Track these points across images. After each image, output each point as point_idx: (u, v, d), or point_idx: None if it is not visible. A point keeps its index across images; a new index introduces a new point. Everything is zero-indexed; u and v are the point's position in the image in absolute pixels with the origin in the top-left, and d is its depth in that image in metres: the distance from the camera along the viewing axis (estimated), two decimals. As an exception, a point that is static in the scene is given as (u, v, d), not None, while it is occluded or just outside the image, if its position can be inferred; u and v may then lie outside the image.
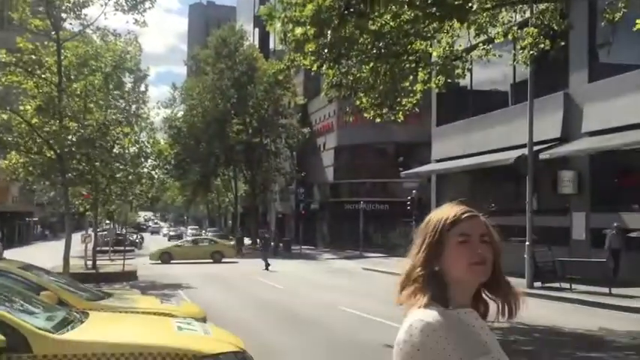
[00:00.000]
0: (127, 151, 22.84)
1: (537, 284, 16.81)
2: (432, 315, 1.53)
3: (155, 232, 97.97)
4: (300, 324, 11.61)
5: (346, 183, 45.52)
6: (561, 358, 8.44)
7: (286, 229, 53.09)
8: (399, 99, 14.92)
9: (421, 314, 1.54)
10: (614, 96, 18.27)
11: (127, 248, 29.78)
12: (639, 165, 18.73)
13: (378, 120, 15.79)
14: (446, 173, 27.31)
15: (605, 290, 15.19)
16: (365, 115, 15.72)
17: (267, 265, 26.54)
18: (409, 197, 30.46)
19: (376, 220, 42.15)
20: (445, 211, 1.67)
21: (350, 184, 45.33)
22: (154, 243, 56.12)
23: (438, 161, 27.87)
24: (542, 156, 19.18)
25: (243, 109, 47.91)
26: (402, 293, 1.67)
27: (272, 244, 42.09)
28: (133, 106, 21.51)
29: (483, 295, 1.68)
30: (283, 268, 27.49)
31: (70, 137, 18.00)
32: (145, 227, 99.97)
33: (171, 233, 73.20)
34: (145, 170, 25.39)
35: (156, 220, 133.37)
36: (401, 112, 15.45)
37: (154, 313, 6.74)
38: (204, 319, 7.01)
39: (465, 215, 1.64)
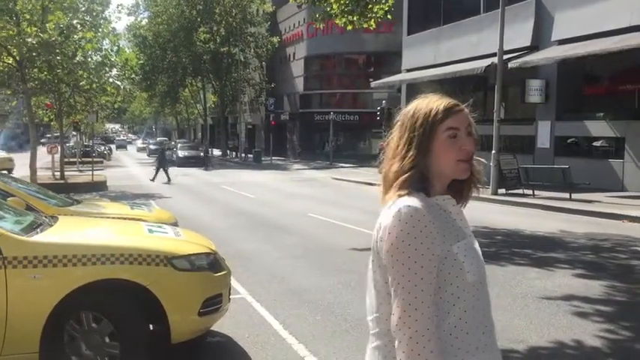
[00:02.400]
0: (90, 59, 22.03)
1: (502, 191, 17.29)
2: (418, 202, 1.55)
3: (121, 145, 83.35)
4: (271, 230, 11.84)
5: (316, 94, 45.12)
6: (522, 257, 8.83)
7: (256, 140, 52.93)
8: (370, 5, 14.56)
9: (408, 201, 1.55)
10: (584, 3, 18.12)
11: (95, 159, 29.43)
12: (606, 73, 18.91)
13: (349, 28, 15.46)
14: (416, 83, 27.17)
15: (566, 196, 15.73)
16: (336, 22, 15.36)
17: (158, 177, 25.50)
18: (379, 108, 30.40)
19: (346, 131, 42.27)
20: (432, 103, 1.64)
21: (320, 94, 44.95)
22: (125, 157, 55.56)
23: (409, 71, 27.67)
24: (512, 65, 19.18)
25: (210, 17, 46.30)
26: (389, 190, 1.64)
27: (243, 154, 42.14)
28: (98, 8, 20.44)
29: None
30: (254, 178, 27.65)
31: (29, 41, 17.17)
32: (113, 139, 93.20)
33: (140, 145, 72.44)
34: (110, 80, 24.66)
35: (123, 132, 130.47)
36: (372, 20, 15.14)
37: (125, 219, 6.78)
38: (175, 225, 7.08)
39: (456, 108, 1.63)
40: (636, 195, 15.66)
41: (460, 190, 1.71)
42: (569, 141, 19.75)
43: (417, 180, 1.60)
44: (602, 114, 18.54)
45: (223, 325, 5.41)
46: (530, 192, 16.92)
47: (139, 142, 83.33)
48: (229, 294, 5.20)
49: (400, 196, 1.58)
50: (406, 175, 1.60)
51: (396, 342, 1.51)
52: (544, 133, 20.35)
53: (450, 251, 1.55)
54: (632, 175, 17.12)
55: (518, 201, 16.04)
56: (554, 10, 19.58)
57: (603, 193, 16.09)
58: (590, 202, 15.07)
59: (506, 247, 9.74)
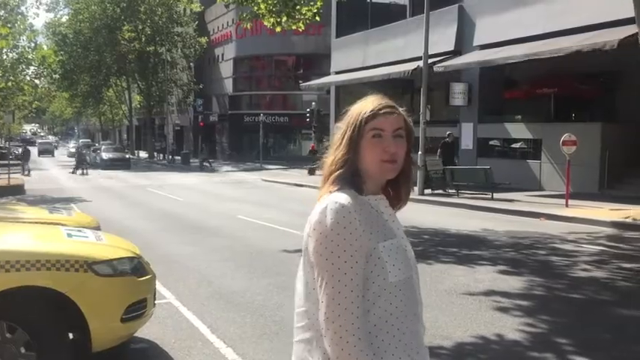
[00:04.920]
0: (5, 57, 20.96)
1: (428, 191, 17.73)
2: (346, 198, 1.56)
3: (46, 151, 62.71)
4: (199, 233, 11.63)
5: (246, 95, 44.79)
6: (447, 255, 9.06)
7: (184, 141, 51.96)
8: (298, 6, 14.58)
9: (336, 197, 1.56)
10: (504, 10, 18.86)
11: (11, 162, 27.98)
12: (523, 78, 19.76)
13: (277, 29, 15.43)
14: (345, 85, 27.50)
15: (488, 195, 16.31)
16: (264, 22, 15.29)
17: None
18: (308, 109, 30.53)
19: (276, 132, 42.18)
20: (365, 105, 1.68)
21: (250, 96, 44.66)
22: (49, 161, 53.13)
23: (338, 73, 27.93)
24: (437, 68, 19.71)
25: (134, 15, 45.08)
26: (323, 186, 1.66)
27: (170, 156, 41.27)
28: (13, 2, 19.45)
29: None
30: (182, 180, 27.11)
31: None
32: (33, 141, 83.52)
33: (73, 150, 61.86)
34: (27, 78, 23.55)
35: (42, 133, 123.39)
36: (301, 22, 15.16)
37: (43, 223, 6.46)
38: (97, 229, 6.81)
39: (383, 110, 1.64)
40: (552, 194, 16.43)
41: (396, 191, 1.74)
42: (490, 142, 20.49)
43: (349, 177, 1.62)
44: (520, 116, 19.36)
45: (148, 330, 5.25)
46: (454, 192, 17.43)
47: (71, 145, 64.40)
48: (154, 299, 5.05)
49: (331, 192, 1.60)
50: (338, 171, 1.63)
51: (325, 332, 1.52)
52: (467, 135, 21.03)
53: (375, 249, 1.56)
54: (549, 175, 17.96)
55: (443, 201, 16.49)
56: (476, 17, 20.28)
57: (522, 193, 16.79)
58: (510, 201, 15.68)
59: (433, 245, 9.98)
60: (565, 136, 14.49)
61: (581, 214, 12.67)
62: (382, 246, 1.57)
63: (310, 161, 28.83)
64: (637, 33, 11.92)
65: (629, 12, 12.06)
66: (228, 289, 7.09)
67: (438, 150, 18.77)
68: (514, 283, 7.14)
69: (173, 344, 5.17)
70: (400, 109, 1.69)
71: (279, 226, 12.21)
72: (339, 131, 1.68)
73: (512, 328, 5.35)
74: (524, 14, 18.05)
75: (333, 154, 1.66)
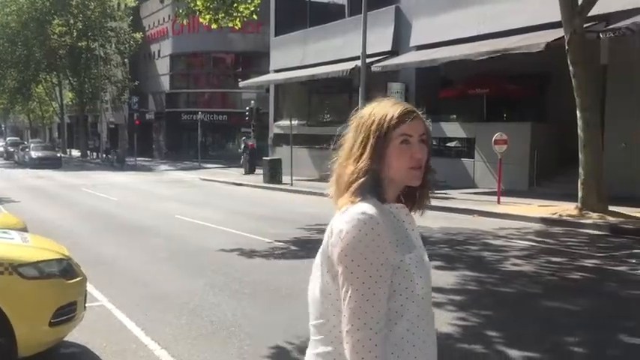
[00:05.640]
0: None
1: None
2: (372, 209, 1.51)
3: None
4: (134, 233, 11.35)
5: (183, 93, 44.05)
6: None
7: (119, 140, 50.60)
8: (235, 4, 14.45)
9: (363, 207, 1.51)
10: (439, 12, 19.30)
11: None
12: (458, 78, 20.27)
13: (214, 26, 15.25)
14: (284, 83, 27.47)
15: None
16: (201, 19, 15.08)
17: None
18: (248, 108, 30.32)
19: (215, 131, 41.69)
20: (388, 108, 1.61)
21: (187, 93, 43.95)
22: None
23: (277, 71, 27.87)
24: (375, 68, 19.96)
25: (65, 9, 43.51)
26: (343, 194, 1.59)
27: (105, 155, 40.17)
28: None
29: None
30: (116, 180, 26.39)
31: None
32: None
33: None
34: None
35: None
36: (238, 19, 15.04)
37: (-36, 225, 6.14)
38: (24, 230, 6.53)
39: (410, 115, 1.60)
40: (485, 191, 16.93)
41: (414, 198, 1.69)
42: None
43: (372, 185, 1.57)
44: (455, 116, 19.86)
45: (79, 334, 5.07)
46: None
47: None
48: (85, 302, 4.90)
49: (353, 202, 1.54)
50: (361, 180, 1.57)
51: (345, 345, 1.48)
52: (404, 134, 21.38)
53: (402, 261, 1.52)
54: (482, 173, 18.50)
55: (381, 199, 16.70)
56: (412, 18, 20.66)
57: (457, 190, 17.23)
58: (445, 198, 16.06)
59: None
60: (496, 135, 14.97)
61: (511, 211, 13.12)
62: (409, 258, 1.54)
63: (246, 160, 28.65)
64: (563, 36, 12.46)
65: (558, 16, 12.59)
66: (163, 290, 6.95)
67: None
68: (448, 279, 7.31)
69: (105, 348, 5.02)
70: (420, 113, 1.64)
71: (217, 226, 12.07)
72: (357, 137, 1.60)
73: (445, 322, 5.47)
74: (459, 16, 18.53)
75: (354, 162, 1.58)
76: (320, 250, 1.59)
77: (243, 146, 28.95)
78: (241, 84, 30.68)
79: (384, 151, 1.57)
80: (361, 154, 1.58)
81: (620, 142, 14.65)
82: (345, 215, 1.51)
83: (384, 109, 1.61)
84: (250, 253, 9.07)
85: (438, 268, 8.01)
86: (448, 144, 20.24)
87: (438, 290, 6.70)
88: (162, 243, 10.22)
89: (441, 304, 6.12)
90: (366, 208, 1.50)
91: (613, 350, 4.85)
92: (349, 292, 1.46)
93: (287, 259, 8.79)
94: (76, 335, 5.01)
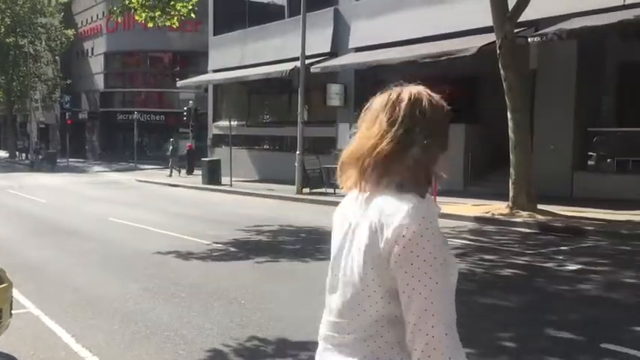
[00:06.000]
0: None
1: (306, 190, 17.96)
2: (426, 202, 1.45)
3: None
4: (65, 237, 10.94)
5: (119, 92, 42.94)
6: (324, 253, 9.19)
7: (50, 141, 48.76)
8: (172, 2, 14.19)
9: (417, 201, 1.43)
10: (377, 15, 19.56)
11: None
12: (395, 81, 20.50)
13: (150, 24, 14.92)
14: (223, 84, 27.18)
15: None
16: (136, 17, 14.72)
17: None
18: (186, 108, 29.85)
19: (151, 131, 40.80)
20: (439, 99, 1.55)
21: (123, 93, 42.86)
22: None
23: (216, 71, 27.54)
24: (314, 69, 20.03)
25: (-8, 4, 41.60)
26: (377, 183, 1.48)
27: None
28: None
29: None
30: (46, 181, 25.41)
31: None
32: None
33: None
34: None
35: None
36: (175, 18, 14.77)
37: None
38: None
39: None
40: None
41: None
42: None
43: (423, 180, 1.51)
44: (393, 118, 20.16)
45: (4, 342, 4.83)
46: (331, 191, 17.79)
47: None
48: (11, 309, 4.67)
49: (402, 194, 1.45)
50: (417, 174, 1.49)
51: (413, 346, 1.40)
52: (344, 135, 21.56)
53: (448, 253, 1.48)
54: (419, 173, 18.86)
55: (321, 199, 16.78)
56: (351, 20, 20.86)
57: (395, 191, 17.51)
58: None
59: (310, 243, 10.11)
60: (433, 137, 15.26)
61: (447, 211, 13.40)
62: (448, 249, 1.49)
63: (186, 161, 28.20)
64: (495, 41, 12.85)
65: (491, 21, 12.96)
66: (95, 295, 6.72)
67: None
68: (386, 278, 7.40)
69: (32, 356, 4.81)
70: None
71: (153, 228, 11.80)
72: (421, 131, 1.48)
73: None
74: (396, 20, 18.82)
75: (417, 156, 1.47)
76: (357, 246, 1.48)
77: (171, 148, 28.18)
78: (179, 84, 30.18)
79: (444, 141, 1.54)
80: (427, 150, 1.49)
81: (549, 143, 15.25)
82: (400, 206, 1.42)
83: (436, 98, 1.57)
84: (187, 256, 8.91)
85: (375, 267, 8.11)
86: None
87: (376, 289, 6.78)
88: (95, 246, 9.90)
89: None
90: (421, 201, 1.44)
91: (542, 343, 5.03)
92: (414, 292, 1.39)
93: (225, 261, 8.68)
94: (1, 344, 4.77)
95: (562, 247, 9.65)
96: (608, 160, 15.38)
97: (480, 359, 4.71)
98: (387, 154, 1.47)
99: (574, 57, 15.05)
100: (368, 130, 1.54)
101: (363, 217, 1.49)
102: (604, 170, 15.01)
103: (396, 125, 1.49)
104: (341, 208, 1.65)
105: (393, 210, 1.41)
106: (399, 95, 1.54)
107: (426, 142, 1.46)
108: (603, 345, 4.83)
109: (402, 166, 1.46)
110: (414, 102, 1.52)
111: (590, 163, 15.75)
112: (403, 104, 1.51)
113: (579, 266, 8.13)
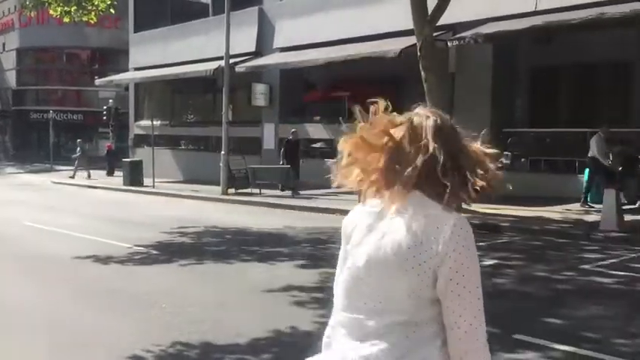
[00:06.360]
0: None
1: (231, 191, 17.79)
2: (461, 214, 1.61)
3: None
4: (-26, 243, 10.34)
5: (32, 90, 41.03)
6: (249, 254, 9.16)
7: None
8: (89, -4, 13.74)
9: (460, 215, 1.59)
10: (302, 15, 19.64)
11: None
12: (320, 81, 20.78)
13: (66, 19, 14.38)
14: (145, 82, 26.49)
15: (289, 193, 16.86)
16: (51, 11, 14.15)
17: None
18: (105, 107, 28.89)
19: (69, 131, 39.24)
20: (447, 118, 1.71)
21: (37, 91, 40.98)
22: None
23: (137, 69, 26.80)
24: (238, 69, 19.88)
25: None
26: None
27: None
28: None
29: None
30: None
31: None
32: None
33: None
34: None
35: None
36: (93, 13, 14.31)
37: None
38: None
39: None
40: (348, 191, 17.44)
41: None
42: (284, 142, 21.14)
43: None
44: (318, 118, 20.31)
45: None
46: (257, 191, 17.72)
47: None
48: None
49: (446, 209, 1.59)
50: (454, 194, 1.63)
51: (467, 338, 1.55)
52: (269, 135, 21.52)
53: None
54: (344, 173, 19.07)
55: (246, 200, 16.67)
56: (276, 19, 20.83)
57: (322, 190, 17.60)
58: (309, 198, 16.38)
59: (235, 245, 10.03)
60: (357, 137, 15.48)
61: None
62: None
63: (106, 162, 27.27)
64: (416, 43, 13.19)
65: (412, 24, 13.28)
66: (9, 304, 6.39)
67: (282, 149, 18.15)
68: (310, 277, 7.44)
69: None
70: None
71: (71, 232, 11.33)
72: (463, 150, 1.65)
73: (306, 320, 5.56)
74: (320, 20, 18.96)
75: (452, 176, 1.59)
76: (391, 253, 1.57)
77: (78, 149, 27.03)
78: (98, 82, 29.19)
79: None
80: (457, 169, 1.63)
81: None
82: (448, 224, 1.55)
83: (442, 116, 1.71)
84: (107, 260, 8.62)
85: (301, 267, 8.15)
86: (313, 145, 20.62)
87: (301, 289, 6.81)
88: (8, 252, 9.41)
89: (302, 303, 6.22)
90: (459, 215, 1.60)
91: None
92: (466, 301, 1.55)
93: (147, 265, 8.47)
94: None
95: (480, 244, 9.98)
96: (522, 160, 16.12)
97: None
98: (424, 173, 1.59)
99: (490, 60, 15.68)
100: (403, 149, 1.65)
101: (397, 229, 1.58)
102: (518, 169, 15.71)
103: (429, 148, 1.61)
104: (358, 214, 1.75)
105: (439, 224, 1.55)
106: (423, 121, 1.69)
107: (451, 160, 1.60)
108: (516, 336, 5.06)
109: (436, 183, 1.58)
110: (440, 126, 1.66)
111: (505, 162, 16.45)
112: (430, 129, 1.65)
113: (495, 261, 8.49)
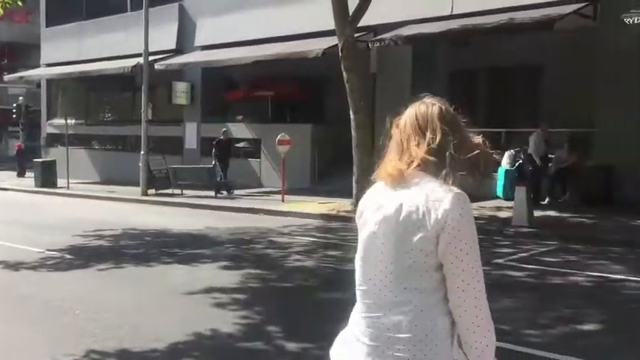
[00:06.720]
0: None
1: (152, 192, 17.32)
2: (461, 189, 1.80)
3: None
4: None
5: None
6: (169, 256, 8.93)
7: None
8: (-4, -13, 12.98)
9: (459, 190, 1.77)
10: (224, 12, 19.39)
11: None
12: (243, 80, 20.58)
13: (-31, 11, 13.52)
14: (58, 79, 25.36)
15: (212, 193, 16.61)
16: (-48, 2, 13.23)
17: None
18: (15, 104, 27.45)
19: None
20: (448, 106, 1.91)
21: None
22: None
23: (49, 65, 25.61)
24: (158, 66, 19.41)
25: None
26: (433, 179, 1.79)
27: None
28: None
29: None
30: None
31: None
32: None
33: None
34: None
35: None
36: (0, 6, 13.52)
37: None
38: None
39: None
40: (271, 190, 17.41)
41: None
42: (214, 142, 20.85)
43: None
44: (241, 117, 20.13)
45: None
46: (179, 191, 17.34)
47: None
48: None
49: (447, 186, 1.77)
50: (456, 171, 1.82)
51: (464, 306, 1.73)
52: (191, 135, 21.12)
53: None
54: (268, 172, 18.99)
55: (167, 201, 16.28)
56: (197, 17, 20.46)
57: (245, 190, 17.47)
58: (233, 198, 16.21)
59: (155, 247, 9.76)
60: (280, 136, 15.48)
61: (295, 209, 13.68)
62: None
63: (17, 162, 25.86)
64: (337, 44, 13.32)
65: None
66: None
67: (213, 149, 17.50)
68: (232, 278, 7.35)
69: None
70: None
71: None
72: (462, 134, 1.84)
73: (227, 322, 5.48)
74: (242, 19, 18.77)
75: (455, 157, 1.80)
76: (403, 227, 1.75)
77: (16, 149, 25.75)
78: (7, 78, 27.73)
79: None
80: (459, 149, 1.83)
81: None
82: (447, 196, 1.74)
83: (446, 106, 1.92)
84: (17, 266, 8.17)
85: (223, 268, 8.03)
86: (236, 145, 20.39)
87: (222, 290, 6.71)
88: None
89: (224, 304, 6.13)
90: (459, 190, 1.78)
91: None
92: (465, 263, 1.73)
93: (61, 270, 8.09)
94: None
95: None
96: (442, 159, 16.61)
97: (322, 352, 4.83)
98: (433, 156, 1.80)
99: (410, 62, 16.05)
100: (413, 139, 1.86)
101: (406, 203, 1.77)
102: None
103: (436, 133, 1.83)
104: (374, 195, 1.92)
105: (439, 197, 1.74)
106: (429, 108, 1.90)
107: (455, 142, 1.81)
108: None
109: (442, 163, 1.79)
110: (451, 114, 1.89)
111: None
112: (435, 116, 1.86)
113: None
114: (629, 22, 11.41)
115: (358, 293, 1.87)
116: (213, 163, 17.18)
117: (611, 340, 4.96)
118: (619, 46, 12.57)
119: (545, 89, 15.75)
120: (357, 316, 1.87)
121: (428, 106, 1.89)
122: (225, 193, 16.77)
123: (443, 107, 1.88)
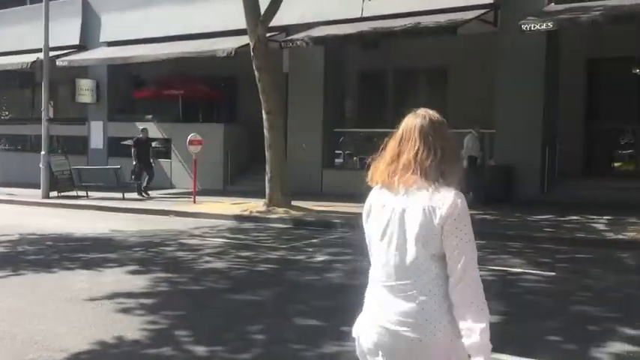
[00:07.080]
0: None
1: (54, 194, 16.48)
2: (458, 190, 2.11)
3: None
4: None
5: None
6: (72, 261, 8.52)
7: None
8: None
9: (454, 189, 2.08)
10: (130, 8, 18.77)
11: None
12: (152, 78, 20.01)
13: None
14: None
15: (119, 195, 16.03)
16: None
17: None
18: None
19: None
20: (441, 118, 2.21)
21: None
22: None
23: (-62, 60, 23.79)
24: (60, 63, 18.55)
25: None
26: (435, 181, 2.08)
27: None
28: None
29: None
30: None
31: None
32: None
33: None
34: None
35: None
36: None
37: None
38: None
39: None
40: (182, 191, 17.05)
41: None
42: (123, 142, 20.12)
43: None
44: (151, 116, 19.56)
45: None
46: (84, 193, 16.61)
47: None
48: None
49: (446, 187, 2.09)
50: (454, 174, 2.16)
51: (463, 285, 2.02)
52: (97, 134, 20.30)
53: None
54: (179, 173, 18.57)
55: (71, 203, 15.55)
56: (101, 12, 19.71)
57: (155, 191, 16.97)
58: (142, 200, 15.72)
59: (56, 252, 9.28)
60: (191, 136, 15.18)
61: (207, 210, 13.46)
62: None
63: None
64: (249, 43, 13.23)
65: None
66: None
67: (132, 149, 16.76)
68: (140, 283, 7.11)
69: None
70: None
71: None
72: (449, 142, 2.15)
73: (133, 328, 5.29)
74: (150, 14, 18.25)
75: (449, 163, 2.13)
76: (412, 224, 2.06)
77: None
78: None
79: None
80: (451, 156, 2.17)
81: (301, 143, 16.19)
82: (448, 196, 2.05)
83: (440, 117, 2.20)
84: None
85: (129, 272, 7.75)
86: (125, 142, 19.69)
87: (128, 295, 6.47)
88: None
89: (129, 310, 5.91)
90: (457, 190, 2.08)
91: (290, 332, 5.27)
92: (464, 249, 2.03)
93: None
94: None
95: (313, 240, 10.32)
96: (354, 158, 16.89)
97: (230, 355, 4.77)
98: (430, 164, 2.10)
99: (321, 63, 16.21)
100: (412, 148, 2.13)
101: (411, 203, 2.08)
102: (349, 167, 16.42)
103: (430, 143, 2.12)
104: (376, 197, 2.21)
105: (442, 197, 2.05)
106: (420, 120, 2.17)
107: (446, 151, 2.12)
108: (342, 328, 5.23)
109: (438, 169, 2.10)
110: (444, 125, 2.18)
111: (337, 161, 17.13)
112: (425, 127, 2.14)
113: (327, 257, 8.77)
114: (526, 28, 12.06)
115: (372, 280, 2.27)
116: (134, 163, 16.61)
117: (513, 329, 5.19)
118: (518, 51, 13.29)
119: (450, 90, 16.38)
120: (370, 305, 2.28)
121: (419, 117, 2.16)
122: (145, 195, 16.28)
123: (433, 119, 2.16)
